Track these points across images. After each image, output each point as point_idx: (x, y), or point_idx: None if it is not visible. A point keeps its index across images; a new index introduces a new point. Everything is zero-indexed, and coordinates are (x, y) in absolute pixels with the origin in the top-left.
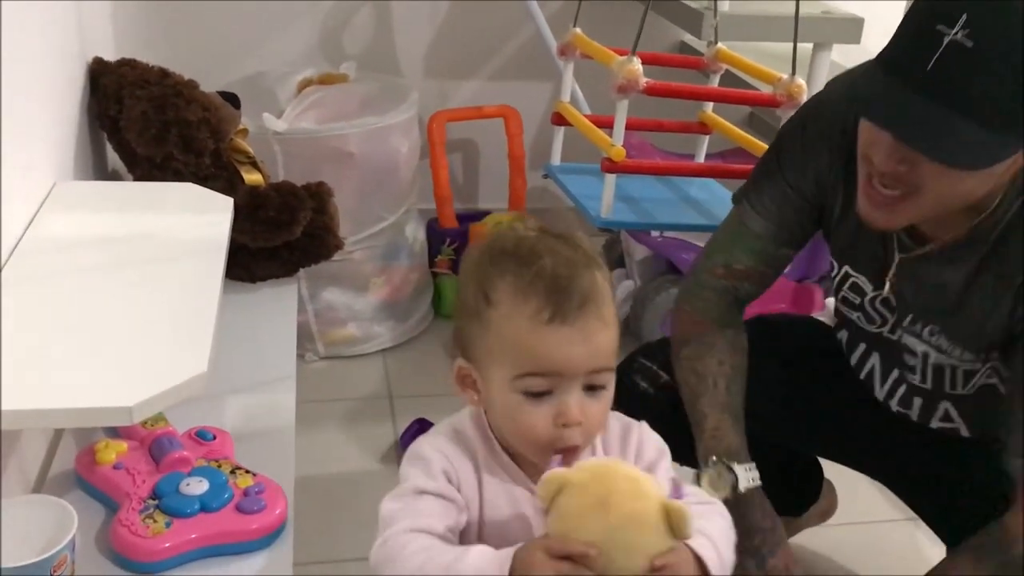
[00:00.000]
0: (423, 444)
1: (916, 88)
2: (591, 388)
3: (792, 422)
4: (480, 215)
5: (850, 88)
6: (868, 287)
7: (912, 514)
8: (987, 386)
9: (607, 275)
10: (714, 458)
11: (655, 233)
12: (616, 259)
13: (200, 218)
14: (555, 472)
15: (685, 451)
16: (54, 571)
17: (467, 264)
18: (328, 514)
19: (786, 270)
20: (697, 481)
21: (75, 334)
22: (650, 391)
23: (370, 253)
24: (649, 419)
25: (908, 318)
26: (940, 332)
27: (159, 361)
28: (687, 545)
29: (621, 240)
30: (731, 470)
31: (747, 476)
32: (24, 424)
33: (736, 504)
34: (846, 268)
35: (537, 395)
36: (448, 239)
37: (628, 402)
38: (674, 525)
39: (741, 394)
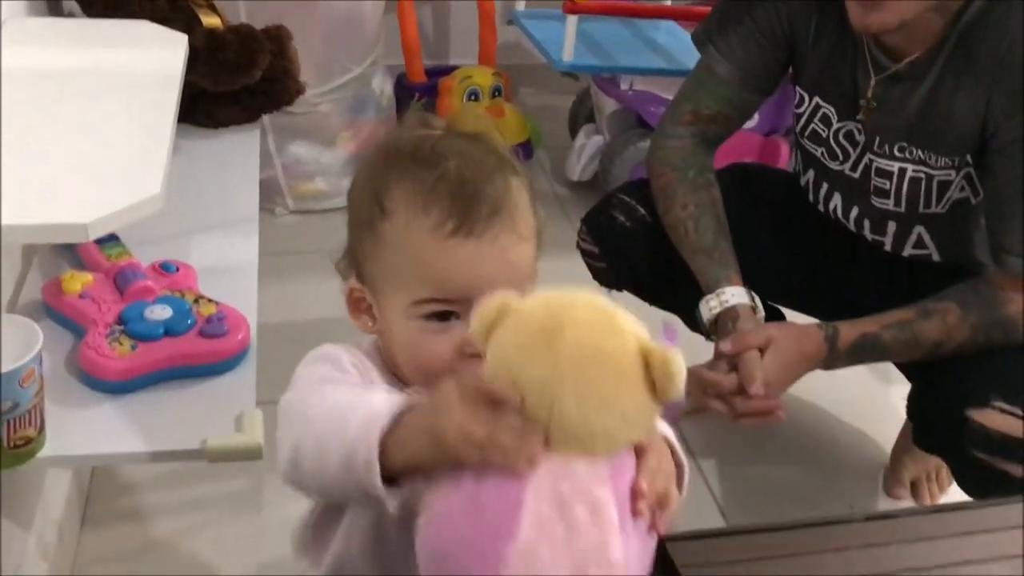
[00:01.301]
0: (323, 347)
1: None
2: None
3: (763, 271)
4: (449, 70)
5: None
6: (834, 118)
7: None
8: (959, 202)
9: (525, 181)
10: (703, 300)
11: (624, 87)
12: (587, 114)
13: (155, 52)
14: (494, 299)
15: (660, 285)
16: (22, 383)
17: (362, 169)
18: (294, 358)
19: (753, 124)
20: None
21: (32, 159)
22: (627, 224)
23: (337, 106)
24: (626, 250)
25: (877, 141)
26: (912, 146)
27: (114, 183)
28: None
29: (591, 95)
30: (719, 299)
31: (731, 293)
32: None
33: (726, 316)
34: (816, 99)
35: (440, 321)
36: (417, 94)
37: (607, 235)
38: (657, 376)
39: (711, 228)
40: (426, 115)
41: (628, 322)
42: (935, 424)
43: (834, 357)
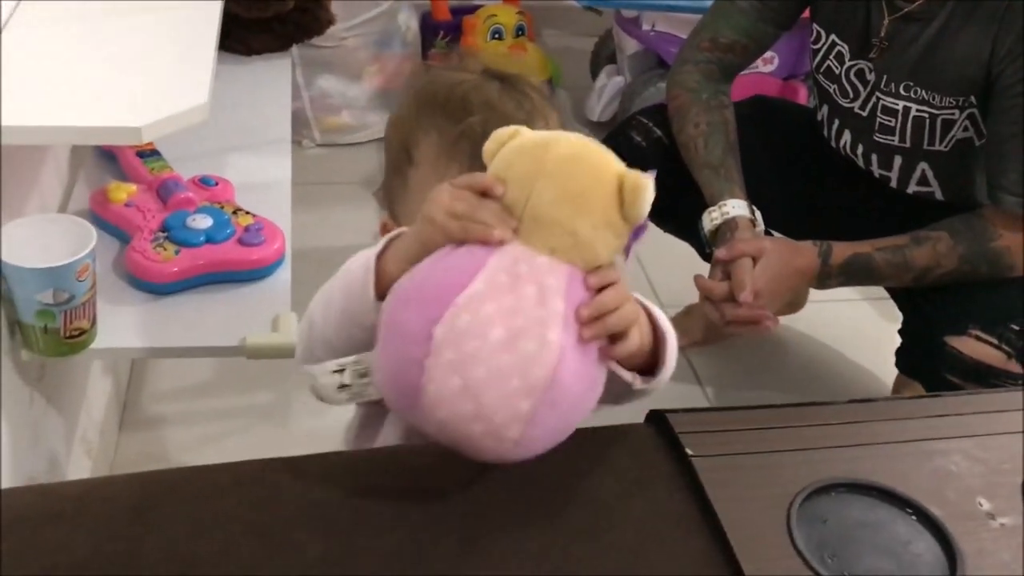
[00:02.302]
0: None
1: None
2: None
3: (774, 199)
4: (474, 9)
5: None
6: (848, 56)
7: (869, 294)
8: (962, 141)
9: (556, 126)
10: (705, 212)
11: (647, 27)
12: (608, 55)
13: None
14: (508, 127)
15: (670, 206)
16: (78, 277)
17: (397, 111)
18: (321, 281)
19: (773, 67)
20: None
21: (83, 68)
22: (643, 144)
23: (363, 40)
24: (642, 169)
25: (884, 80)
26: (919, 85)
27: (164, 91)
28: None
29: (613, 36)
30: (720, 211)
31: (732, 205)
32: (44, 139)
33: (726, 227)
34: (832, 36)
35: None
36: (441, 32)
37: (623, 153)
38: (627, 192)
39: (720, 145)
40: (464, 54)
41: (616, 159)
42: (915, 349)
43: (826, 274)
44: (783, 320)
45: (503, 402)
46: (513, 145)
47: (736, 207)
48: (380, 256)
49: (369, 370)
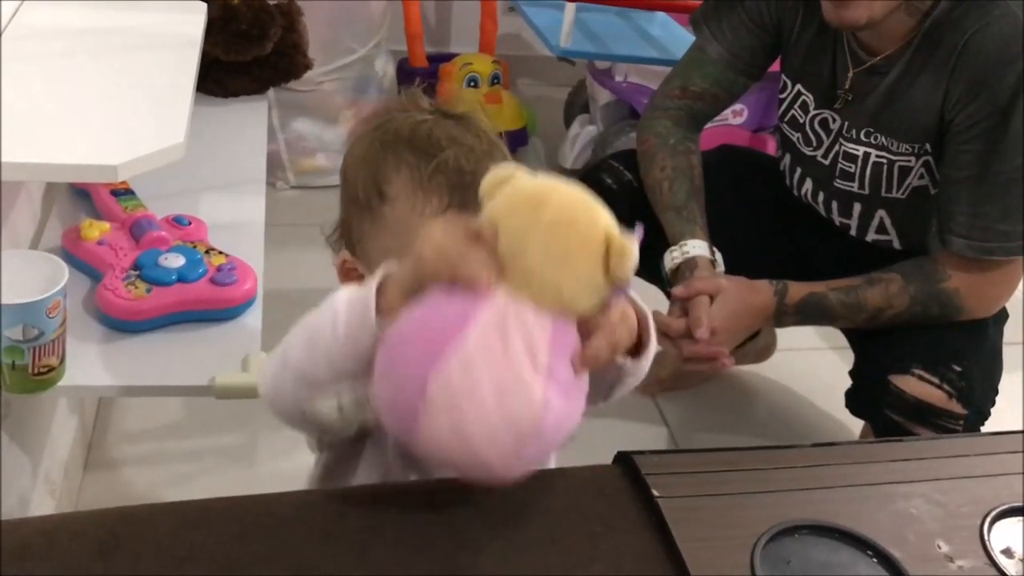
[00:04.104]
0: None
1: None
2: None
3: (738, 247)
4: (450, 57)
5: None
6: (812, 105)
7: (835, 343)
8: (918, 189)
9: (510, 161)
10: (668, 252)
11: (619, 78)
12: (581, 104)
13: (176, 16)
14: (507, 166)
15: (640, 245)
16: (49, 313)
17: (356, 149)
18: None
19: (742, 120)
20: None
21: (63, 105)
22: (613, 187)
23: (340, 85)
24: (611, 211)
25: (846, 126)
26: (878, 132)
27: (141, 130)
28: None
29: (586, 86)
30: (681, 250)
31: (693, 245)
32: (23, 176)
33: (686, 266)
34: (798, 86)
35: None
36: (418, 78)
37: (595, 195)
38: (612, 254)
39: (684, 188)
40: (416, 94)
41: (603, 214)
42: (863, 389)
43: (782, 312)
44: (752, 367)
45: (492, 448)
46: (509, 193)
47: (696, 247)
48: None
49: (365, 397)
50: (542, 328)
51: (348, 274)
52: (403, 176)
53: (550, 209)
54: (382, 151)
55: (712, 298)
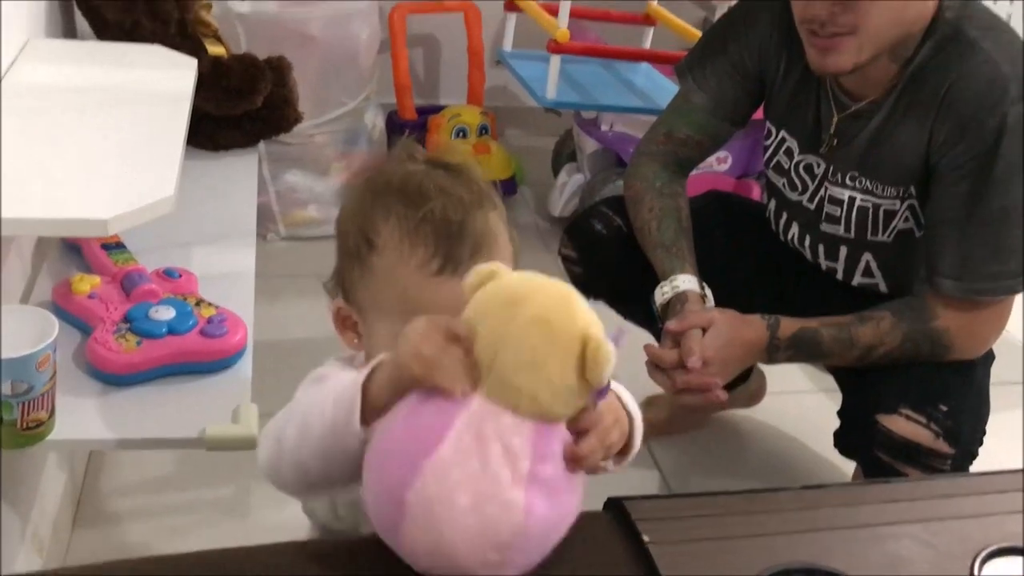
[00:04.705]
0: (316, 370)
1: None
2: None
3: (726, 292)
4: (439, 109)
5: None
6: (796, 151)
7: (825, 386)
8: (904, 232)
9: (502, 213)
10: (658, 287)
11: (605, 128)
12: (568, 154)
13: (166, 73)
14: (488, 264)
15: (630, 289)
16: (38, 367)
17: (349, 199)
18: (283, 373)
19: (727, 167)
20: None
21: (54, 160)
22: (603, 232)
23: (331, 137)
24: (601, 256)
25: (831, 170)
26: (863, 175)
27: (131, 185)
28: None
29: (573, 135)
30: (671, 285)
31: (683, 280)
32: (13, 231)
33: (676, 301)
34: (783, 132)
35: None
36: (407, 130)
37: (585, 242)
38: (588, 357)
39: (672, 228)
40: (411, 145)
41: (584, 313)
42: (851, 428)
43: (775, 347)
44: (743, 412)
45: (474, 557)
46: (489, 293)
47: (686, 282)
48: (364, 382)
49: (359, 500)
50: (521, 433)
51: (343, 321)
52: (391, 225)
53: (526, 309)
54: (372, 201)
55: (704, 330)
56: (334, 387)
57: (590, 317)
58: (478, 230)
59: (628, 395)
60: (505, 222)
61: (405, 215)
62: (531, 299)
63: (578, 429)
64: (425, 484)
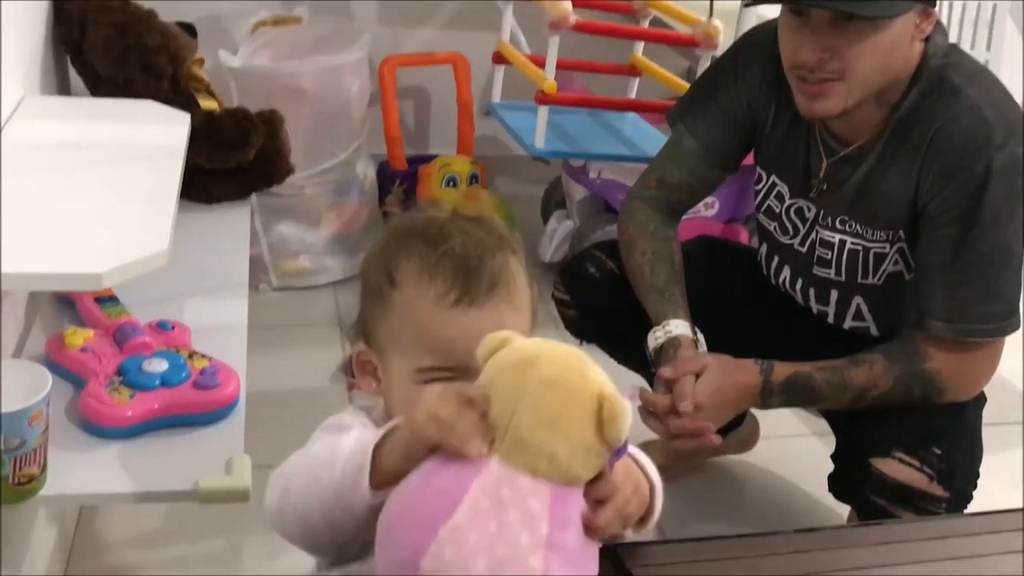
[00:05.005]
0: (332, 417)
1: None
2: None
3: (719, 337)
4: (429, 159)
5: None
6: (787, 195)
7: (818, 429)
8: (893, 275)
9: (522, 259)
10: (651, 332)
11: (593, 175)
12: (558, 201)
13: (160, 128)
14: (500, 332)
15: (622, 332)
16: (30, 422)
17: (374, 245)
18: (276, 423)
19: (714, 212)
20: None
21: (49, 217)
22: (596, 275)
23: (322, 188)
24: (594, 299)
25: (821, 214)
26: (853, 219)
27: (125, 239)
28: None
29: (562, 183)
30: (664, 330)
31: (675, 325)
32: (6, 285)
33: (669, 345)
34: (773, 177)
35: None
36: (398, 180)
37: (578, 285)
38: (604, 416)
39: (664, 271)
40: (436, 203)
41: (597, 373)
42: (844, 472)
43: (768, 391)
44: (737, 457)
45: None
46: (501, 358)
47: (679, 327)
48: (376, 445)
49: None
50: (539, 496)
51: (363, 365)
52: (412, 262)
53: (540, 370)
54: (396, 242)
55: (698, 376)
56: (346, 444)
57: (603, 376)
58: (497, 266)
59: (648, 461)
60: (524, 268)
61: (426, 253)
62: (544, 361)
63: (596, 499)
64: (441, 549)
